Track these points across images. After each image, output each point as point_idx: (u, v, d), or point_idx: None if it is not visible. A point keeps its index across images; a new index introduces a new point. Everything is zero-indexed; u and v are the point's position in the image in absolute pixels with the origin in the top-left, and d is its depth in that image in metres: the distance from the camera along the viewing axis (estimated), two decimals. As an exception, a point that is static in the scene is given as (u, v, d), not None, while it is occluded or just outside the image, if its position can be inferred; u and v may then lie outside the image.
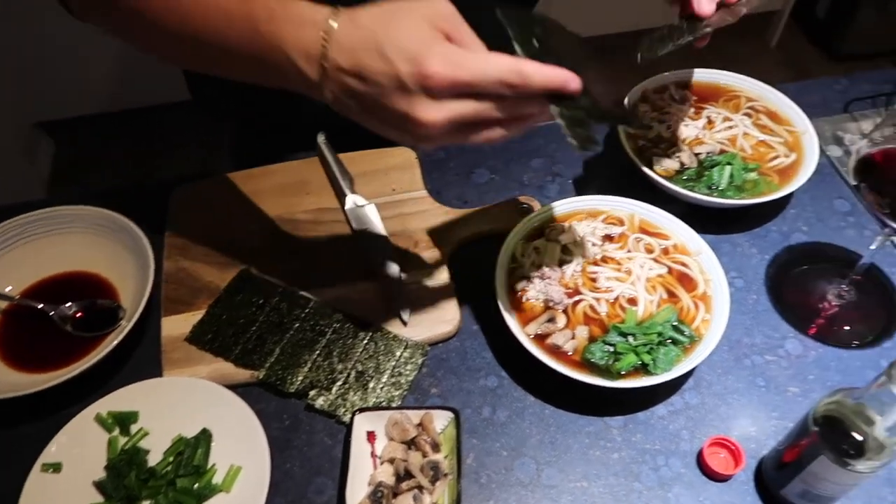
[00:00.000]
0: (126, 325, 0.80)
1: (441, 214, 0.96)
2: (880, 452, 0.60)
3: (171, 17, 0.63)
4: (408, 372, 0.81)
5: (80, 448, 0.74)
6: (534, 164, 1.05)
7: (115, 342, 0.78)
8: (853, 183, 0.73)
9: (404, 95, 0.54)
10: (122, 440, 0.75)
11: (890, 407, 0.57)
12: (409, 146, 0.58)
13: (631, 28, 2.94)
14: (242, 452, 0.74)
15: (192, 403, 0.77)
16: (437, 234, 0.93)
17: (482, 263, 0.92)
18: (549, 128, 1.09)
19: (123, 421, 0.76)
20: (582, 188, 1.01)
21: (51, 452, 0.73)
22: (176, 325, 0.85)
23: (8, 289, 0.88)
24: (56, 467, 0.72)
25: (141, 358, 0.84)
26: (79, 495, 0.72)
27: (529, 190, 1.01)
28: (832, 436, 0.62)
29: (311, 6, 0.59)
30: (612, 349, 0.77)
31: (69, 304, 0.86)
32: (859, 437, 0.61)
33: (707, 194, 0.91)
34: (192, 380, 0.79)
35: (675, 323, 0.78)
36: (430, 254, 0.91)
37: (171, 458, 0.73)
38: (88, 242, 0.90)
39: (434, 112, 0.55)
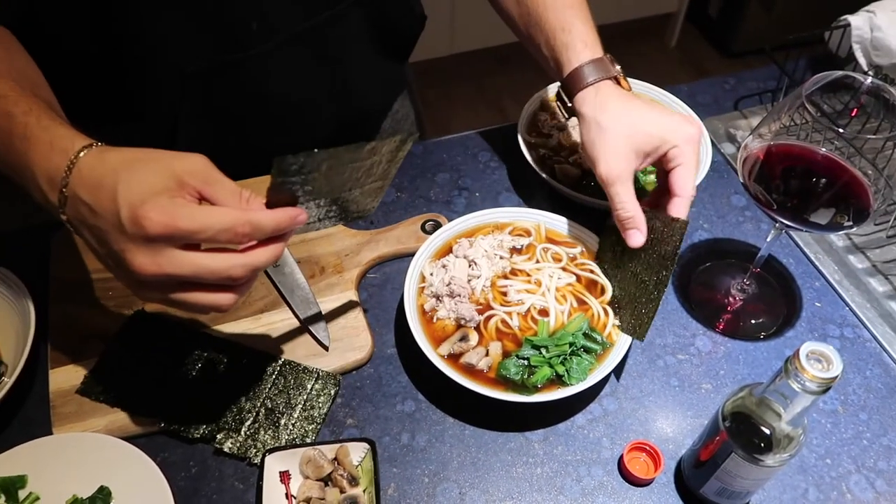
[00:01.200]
0: (8, 381, 0.74)
1: (347, 237, 0.93)
2: (788, 444, 0.62)
3: None
4: (321, 404, 0.78)
5: (-40, 523, 0.68)
6: (439, 179, 1.04)
7: (-3, 401, 0.72)
8: (741, 181, 0.75)
9: (122, 236, 0.55)
10: (9, 509, 0.69)
11: (791, 400, 0.58)
12: (136, 294, 0.61)
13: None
14: (145, 509, 0.69)
15: (88, 460, 0.72)
16: (344, 259, 0.91)
17: (392, 285, 0.90)
18: (452, 141, 1.09)
19: (9, 487, 0.70)
20: (489, 201, 1.00)
21: (-75, 532, 0.66)
22: (65, 377, 0.79)
23: None
24: (-68, 548, 0.66)
25: (27, 416, 0.78)
26: (-40, 577, 0.65)
27: (437, 206, 1.00)
28: (741, 432, 0.63)
29: (69, 134, 0.61)
30: (526, 363, 0.76)
31: (-58, 364, 0.79)
32: (767, 431, 0.62)
33: (610, 199, 0.92)
34: (85, 435, 0.73)
35: (586, 331, 0.78)
36: (337, 279, 0.88)
37: (64, 524, 0.68)
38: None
39: (145, 259, 0.55)
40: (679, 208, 0.75)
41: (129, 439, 0.73)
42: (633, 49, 3.09)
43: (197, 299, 0.59)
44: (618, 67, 0.82)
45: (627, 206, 0.76)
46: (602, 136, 0.77)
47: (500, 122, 1.12)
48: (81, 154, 0.59)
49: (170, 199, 0.55)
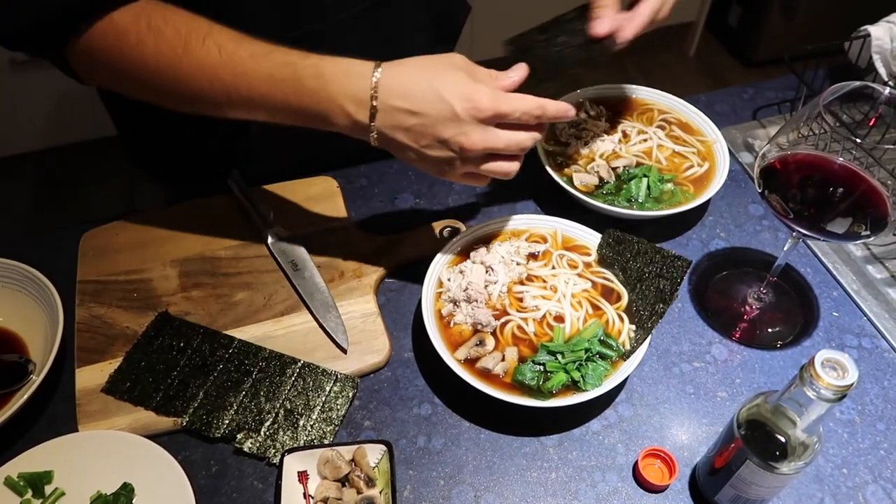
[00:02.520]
0: (36, 380, 0.76)
1: (366, 243, 0.95)
2: (803, 453, 0.62)
3: (199, 81, 0.72)
4: (339, 406, 0.79)
5: (-11, 516, 0.69)
6: (457, 187, 1.05)
7: (25, 398, 0.74)
8: (758, 190, 0.75)
9: (456, 123, 0.69)
10: (36, 503, 0.71)
11: (806, 408, 0.58)
12: (438, 174, 0.75)
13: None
14: (166, 506, 0.70)
15: (112, 458, 0.73)
16: (363, 263, 0.92)
17: (410, 290, 0.91)
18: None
19: (36, 482, 0.72)
20: (506, 208, 1.01)
21: (-45, 524, 0.68)
22: (91, 376, 0.81)
23: None
24: (-39, 540, 0.68)
25: (54, 413, 0.79)
26: (-12, 568, 0.67)
27: (454, 212, 1.01)
28: (756, 439, 0.63)
29: (352, 61, 0.70)
30: (541, 368, 0.76)
31: (-28, 361, 0.81)
32: (782, 439, 0.62)
33: (627, 207, 0.93)
34: (110, 432, 0.75)
35: (602, 337, 0.79)
36: (356, 283, 0.90)
37: (89, 519, 0.69)
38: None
39: (479, 136, 0.70)
40: (631, 22, 0.80)
41: (152, 437, 0.75)
42: (652, 58, 3.09)
43: (500, 167, 0.74)
44: None
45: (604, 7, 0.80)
46: None
47: None
48: (377, 72, 0.69)
49: (487, 88, 0.69)
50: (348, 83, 0.69)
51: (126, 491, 0.71)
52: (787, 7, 2.79)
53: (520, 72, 0.74)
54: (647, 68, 3.30)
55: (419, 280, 0.91)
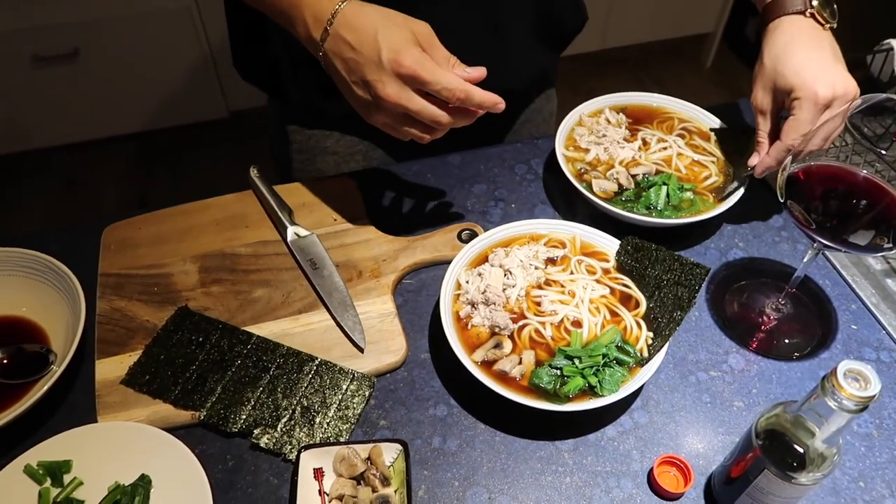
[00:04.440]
0: (57, 370, 0.77)
1: (384, 243, 0.95)
2: (822, 464, 0.62)
3: None
4: (355, 405, 0.79)
5: (8, 503, 0.70)
6: (476, 190, 1.05)
7: (45, 388, 0.75)
8: (781, 200, 0.75)
9: (378, 70, 0.73)
10: (55, 492, 0.72)
11: (826, 418, 0.58)
12: (362, 114, 0.80)
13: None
14: (183, 498, 0.71)
15: (130, 449, 0.74)
16: (381, 264, 0.92)
17: (427, 291, 0.92)
18: (489, 153, 1.10)
19: (55, 471, 0.72)
20: (525, 212, 1.02)
21: (-25, 510, 0.69)
22: (111, 368, 0.82)
23: (-72, 337, 0.83)
24: (-19, 526, 0.68)
25: (74, 404, 0.80)
26: (6, 554, 0.68)
27: (473, 216, 1.01)
28: (774, 449, 0.63)
29: None
30: (559, 373, 0.77)
31: (-5, 350, 0.82)
32: (800, 450, 0.62)
33: (646, 215, 0.93)
34: (128, 424, 0.76)
35: (619, 343, 0.79)
36: (374, 283, 0.90)
37: (107, 509, 0.70)
38: (15, 285, 0.87)
39: (393, 90, 0.73)
40: (774, 150, 0.86)
41: (170, 430, 0.75)
42: (668, 68, 3.10)
43: (411, 133, 0.79)
44: (815, 4, 0.86)
45: (761, 135, 0.89)
46: (760, 69, 0.89)
47: (536, 135, 1.14)
48: (344, 3, 0.76)
49: (420, 52, 0.74)
50: (318, 2, 0.77)
51: (144, 482, 0.72)
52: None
53: (478, 71, 0.77)
54: (662, 78, 3.30)
55: (437, 282, 0.92)
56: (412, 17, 0.77)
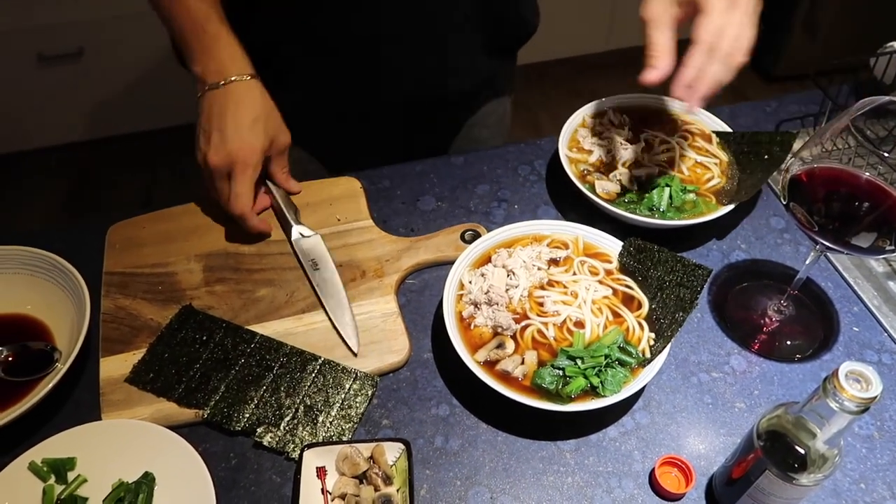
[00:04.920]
0: (61, 368, 0.77)
1: (388, 243, 0.95)
2: (823, 465, 0.62)
3: None
4: (358, 404, 0.79)
5: (12, 499, 0.70)
6: (479, 191, 1.05)
7: (50, 386, 0.75)
8: (783, 202, 0.76)
9: (215, 151, 0.89)
10: (59, 489, 0.72)
11: (828, 420, 0.58)
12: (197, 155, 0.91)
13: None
14: (187, 496, 0.71)
15: (133, 447, 0.74)
16: (384, 264, 0.93)
17: (430, 291, 0.92)
18: (492, 154, 1.11)
19: (59, 468, 0.73)
20: (528, 213, 1.02)
21: (-20, 507, 0.69)
22: (115, 366, 0.82)
23: (-67, 334, 0.84)
24: (-15, 522, 0.69)
25: (78, 401, 0.81)
26: (11, 551, 0.68)
27: (476, 216, 1.02)
28: (776, 450, 0.63)
29: (241, 58, 0.91)
30: (561, 373, 0.77)
31: None
32: (801, 451, 0.62)
33: (648, 216, 0.93)
34: (132, 422, 0.76)
35: (622, 344, 0.79)
36: (377, 283, 0.91)
37: (111, 506, 0.70)
38: (20, 283, 0.87)
39: (208, 156, 0.89)
40: (693, 57, 0.77)
41: (173, 429, 0.76)
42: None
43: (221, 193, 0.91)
44: None
45: (656, 47, 0.79)
46: None
47: (535, 137, 1.14)
48: (244, 79, 0.89)
49: (251, 168, 0.90)
50: (219, 61, 0.89)
51: (147, 480, 0.72)
52: (809, 23, 2.78)
53: (294, 188, 0.99)
54: (664, 83, 3.29)
55: (439, 282, 0.92)
56: (283, 126, 0.93)
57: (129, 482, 0.72)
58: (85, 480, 0.73)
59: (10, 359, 0.82)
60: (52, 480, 0.72)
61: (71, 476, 0.73)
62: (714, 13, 0.75)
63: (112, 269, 0.92)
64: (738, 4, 0.76)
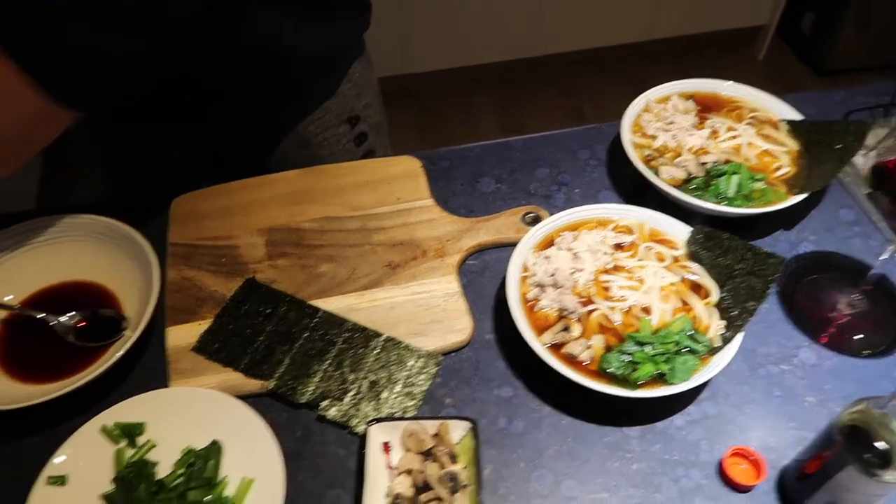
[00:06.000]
0: (132, 335, 0.78)
1: (448, 223, 0.95)
2: (906, 461, 0.60)
3: None
4: (421, 382, 0.79)
5: (86, 460, 0.72)
6: (539, 174, 1.04)
7: (122, 352, 0.76)
8: (866, 191, 0.73)
9: None
10: (129, 452, 0.73)
11: (919, 414, 0.56)
12: None
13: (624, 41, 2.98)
14: (254, 464, 0.72)
15: (201, 414, 0.75)
16: (445, 244, 0.92)
17: (490, 273, 0.92)
18: (552, 138, 1.09)
19: (130, 432, 0.74)
20: (589, 197, 1.01)
21: (55, 465, 0.70)
22: (182, 335, 0.83)
23: (8, 298, 0.85)
24: (61, 480, 0.70)
25: (146, 368, 0.82)
26: (85, 510, 0.69)
27: (536, 199, 1.01)
28: (857, 446, 0.62)
29: None
30: (629, 359, 0.76)
31: (71, 313, 0.83)
32: (885, 447, 0.60)
33: (715, 203, 0.91)
34: (200, 390, 0.77)
35: (690, 332, 0.78)
36: (438, 263, 0.90)
37: (180, 471, 0.71)
38: (90, 251, 0.88)
39: None
40: None
41: (239, 399, 0.76)
42: (718, 60, 3.03)
43: None
44: None
45: None
46: None
47: (578, 124, 1.13)
48: None
49: None
50: None
51: (215, 447, 0.73)
52: (861, 17, 2.70)
53: None
54: (711, 70, 3.24)
55: (499, 264, 0.91)
56: None
57: (198, 448, 0.73)
58: (154, 445, 0.74)
59: (81, 324, 0.83)
60: (122, 444, 0.74)
61: (141, 441, 0.74)
62: None
63: (177, 240, 0.93)
64: None
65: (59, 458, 0.71)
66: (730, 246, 0.84)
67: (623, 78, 2.90)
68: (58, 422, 0.76)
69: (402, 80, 2.82)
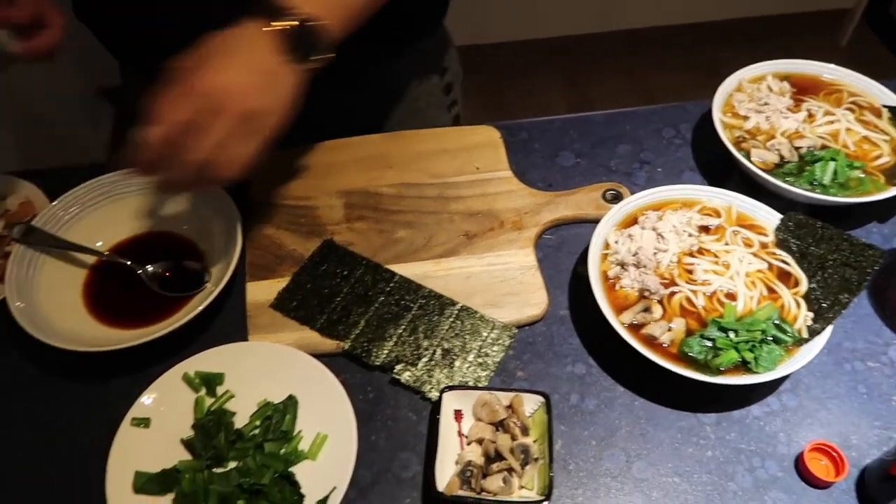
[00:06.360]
0: (215, 289, 0.80)
1: (526, 196, 0.94)
2: None
3: None
4: (494, 353, 0.79)
5: (168, 405, 0.74)
6: (620, 150, 1.02)
7: (205, 304, 0.78)
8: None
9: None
10: (209, 401, 0.75)
11: None
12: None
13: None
14: (328, 421, 0.73)
15: (278, 369, 0.76)
16: (523, 216, 0.91)
17: (568, 248, 0.90)
18: (635, 114, 1.07)
19: (210, 382, 0.76)
20: (671, 177, 0.98)
21: (140, 407, 0.73)
22: (260, 291, 0.84)
23: (98, 244, 0.88)
24: (145, 422, 0.72)
25: (226, 321, 0.84)
26: (166, 451, 0.72)
27: (616, 176, 0.98)
28: (956, 448, 0.59)
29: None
30: (711, 344, 0.74)
31: (157, 263, 0.86)
32: None
33: (809, 190, 0.88)
34: (278, 346, 0.78)
35: (776, 321, 0.75)
36: (516, 235, 0.89)
37: (258, 422, 0.73)
38: (175, 204, 0.90)
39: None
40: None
41: (314, 357, 0.77)
42: (799, 44, 2.90)
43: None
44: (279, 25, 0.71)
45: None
46: None
47: (647, 104, 1.09)
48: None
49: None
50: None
51: (291, 402, 0.74)
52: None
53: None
54: (791, 54, 3.11)
55: (577, 240, 0.90)
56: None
57: (275, 402, 0.75)
58: (232, 396, 0.76)
59: (165, 275, 0.85)
60: (202, 392, 0.76)
61: (220, 390, 0.76)
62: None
63: (257, 198, 0.94)
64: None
65: (144, 401, 0.73)
66: (824, 235, 0.81)
67: (692, 60, 2.81)
68: (140, 366, 0.79)
69: (466, 52, 2.79)
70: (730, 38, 2.90)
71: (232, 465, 0.71)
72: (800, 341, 0.75)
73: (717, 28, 2.89)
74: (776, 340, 0.74)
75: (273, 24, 0.67)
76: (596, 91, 2.81)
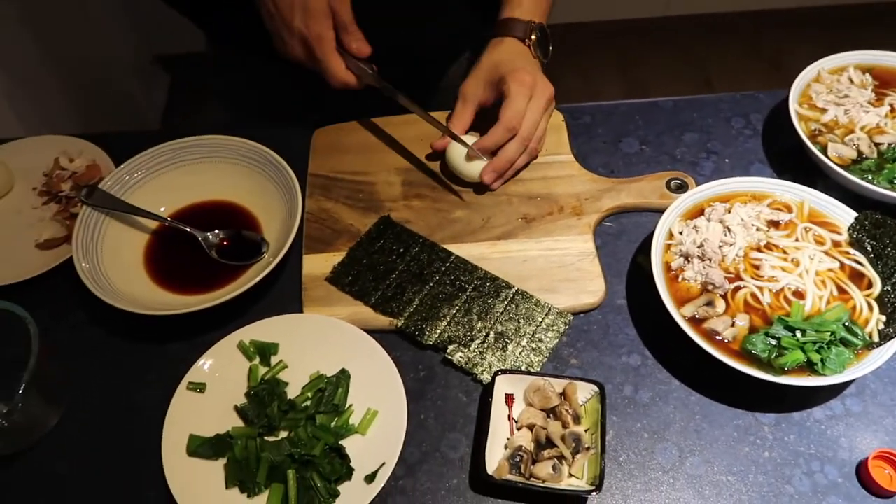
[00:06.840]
0: (272, 261, 0.80)
1: (588, 181, 0.92)
2: None
3: None
4: (549, 339, 0.78)
5: (223, 372, 0.75)
6: (686, 139, 0.99)
7: (263, 274, 0.78)
8: None
9: (289, 33, 0.84)
10: (263, 370, 0.76)
11: None
12: (279, 51, 0.88)
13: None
14: (379, 397, 0.73)
15: (331, 342, 0.77)
16: (584, 202, 0.89)
17: (628, 237, 0.88)
18: (703, 101, 1.03)
19: (264, 351, 0.77)
20: (739, 168, 0.95)
21: (197, 372, 0.74)
22: (316, 264, 0.85)
23: (161, 209, 0.89)
24: (201, 387, 0.74)
25: (281, 292, 0.84)
26: (220, 416, 0.73)
27: (681, 165, 0.96)
28: None
29: None
30: (775, 343, 0.72)
31: (216, 231, 0.87)
32: None
33: (889, 189, 0.84)
34: (332, 319, 0.78)
35: (847, 323, 0.72)
36: (575, 221, 0.88)
37: (310, 394, 0.74)
38: (237, 173, 0.91)
39: (299, 51, 0.85)
40: (493, 133, 0.87)
41: (367, 333, 0.77)
42: (870, 34, 2.75)
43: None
44: (533, 38, 0.92)
45: (455, 119, 0.91)
46: (477, 67, 0.91)
47: (703, 92, 1.05)
48: None
49: (325, 27, 0.83)
50: None
51: (344, 376, 0.75)
52: None
53: (361, 51, 0.86)
54: (860, 45, 2.96)
55: (638, 228, 0.88)
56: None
57: (328, 375, 0.75)
58: (286, 366, 0.77)
59: (224, 243, 0.86)
60: (257, 361, 0.77)
61: (274, 360, 0.77)
62: (517, 99, 0.86)
63: (316, 171, 0.94)
64: (536, 95, 0.88)
65: (201, 365, 0.75)
66: None
67: (755, 49, 2.70)
68: (197, 332, 0.80)
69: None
70: (796, 28, 2.78)
71: (283, 434, 0.72)
72: (870, 345, 0.71)
73: (783, 16, 2.77)
74: (845, 343, 0.71)
75: (528, 39, 0.91)
76: (650, 77, 2.73)
